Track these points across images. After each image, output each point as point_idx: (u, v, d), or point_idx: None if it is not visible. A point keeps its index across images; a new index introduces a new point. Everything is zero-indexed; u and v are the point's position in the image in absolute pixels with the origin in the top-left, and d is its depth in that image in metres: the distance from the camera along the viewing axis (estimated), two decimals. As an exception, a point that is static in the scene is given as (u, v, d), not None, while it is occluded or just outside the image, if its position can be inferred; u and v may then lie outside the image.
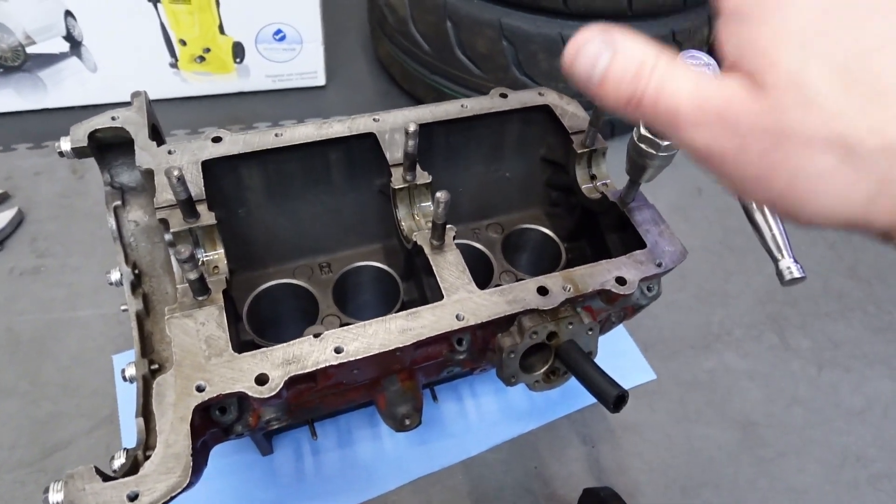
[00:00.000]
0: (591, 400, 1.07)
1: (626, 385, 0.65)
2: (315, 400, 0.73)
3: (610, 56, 0.33)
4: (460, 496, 0.95)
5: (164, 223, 0.70)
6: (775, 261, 0.53)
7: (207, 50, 1.39)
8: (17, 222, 1.20)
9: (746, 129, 0.30)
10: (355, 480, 0.95)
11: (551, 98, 0.91)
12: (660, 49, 0.33)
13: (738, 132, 0.30)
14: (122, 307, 0.79)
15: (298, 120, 1.53)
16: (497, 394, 1.07)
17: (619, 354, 1.15)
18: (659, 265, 0.74)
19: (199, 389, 0.57)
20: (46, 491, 0.51)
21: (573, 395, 1.07)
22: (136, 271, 0.81)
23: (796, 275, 0.52)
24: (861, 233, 0.30)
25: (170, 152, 0.76)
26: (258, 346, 0.80)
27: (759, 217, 0.54)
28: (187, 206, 0.68)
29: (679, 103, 0.31)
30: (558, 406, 1.06)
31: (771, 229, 0.53)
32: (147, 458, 0.62)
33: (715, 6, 0.33)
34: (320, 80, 1.56)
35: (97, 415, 0.98)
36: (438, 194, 0.67)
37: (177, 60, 1.40)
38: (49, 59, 1.32)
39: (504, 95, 0.91)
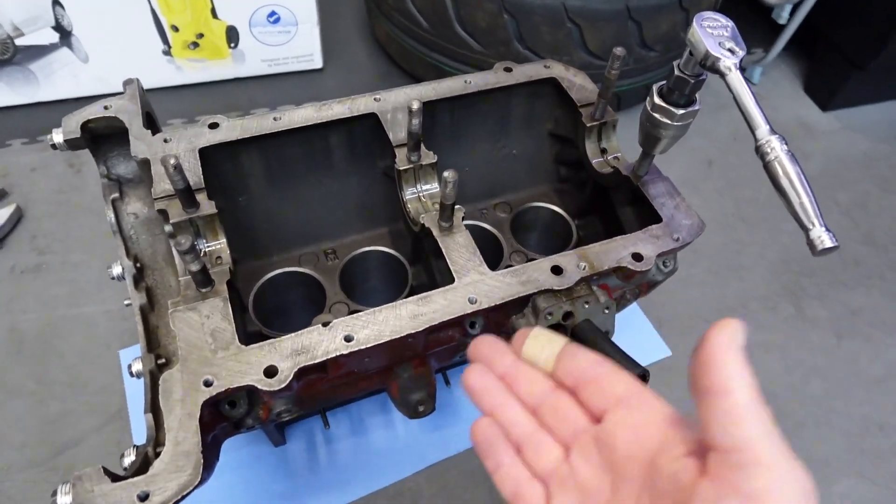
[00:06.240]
0: (607, 379, 1.06)
1: (641, 362, 0.63)
2: (326, 390, 0.72)
3: None
4: (477, 481, 0.94)
5: (164, 214, 0.68)
6: (805, 230, 0.50)
7: (201, 35, 1.36)
8: (16, 220, 1.18)
9: None
10: (370, 468, 0.94)
11: (558, 70, 0.88)
12: None
13: None
14: (126, 302, 0.77)
15: (297, 105, 1.49)
16: (510, 376, 1.05)
17: (633, 332, 1.13)
18: (676, 239, 0.71)
19: (207, 384, 0.55)
20: (54, 494, 0.49)
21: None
22: (138, 265, 0.79)
23: (828, 244, 0.49)
24: None
25: (165, 140, 0.73)
26: (266, 337, 0.79)
27: (785, 184, 0.51)
28: (186, 196, 0.66)
29: None
30: (573, 386, 1.04)
31: (799, 197, 0.50)
32: (158, 454, 0.60)
33: None
34: (317, 63, 1.52)
35: (106, 411, 0.97)
36: (446, 174, 0.65)
37: (170, 48, 1.36)
38: (39, 51, 1.29)
39: (509, 69, 0.88)
